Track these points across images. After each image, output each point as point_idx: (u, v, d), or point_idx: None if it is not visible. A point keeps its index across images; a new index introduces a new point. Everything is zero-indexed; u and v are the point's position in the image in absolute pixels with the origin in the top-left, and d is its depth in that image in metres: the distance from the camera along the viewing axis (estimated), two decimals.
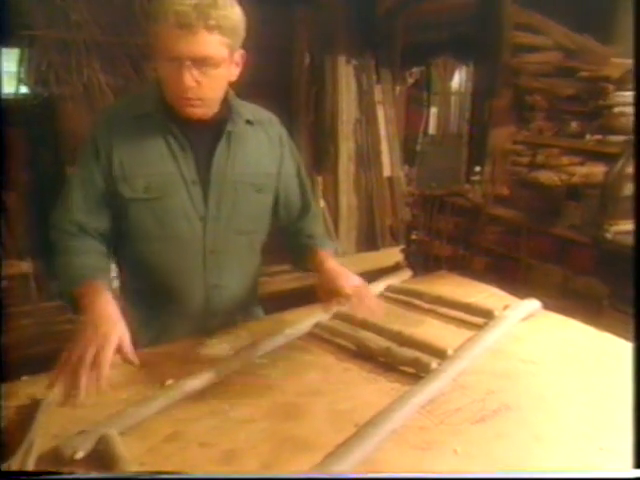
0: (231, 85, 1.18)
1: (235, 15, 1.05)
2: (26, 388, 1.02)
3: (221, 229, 1.19)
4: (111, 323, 0.94)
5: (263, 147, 1.24)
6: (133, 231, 1.18)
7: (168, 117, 1.13)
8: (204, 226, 1.18)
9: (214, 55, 1.03)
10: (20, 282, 3.47)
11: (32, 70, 3.55)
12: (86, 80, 3.62)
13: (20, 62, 3.64)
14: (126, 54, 3.71)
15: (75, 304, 1.04)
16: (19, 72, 3.67)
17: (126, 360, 0.93)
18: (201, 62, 1.03)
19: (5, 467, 0.76)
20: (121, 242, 1.22)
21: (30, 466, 0.79)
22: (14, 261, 3.63)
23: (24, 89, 3.71)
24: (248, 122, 1.22)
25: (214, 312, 1.25)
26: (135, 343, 0.96)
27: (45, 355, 1.03)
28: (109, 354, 0.89)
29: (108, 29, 3.67)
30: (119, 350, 0.92)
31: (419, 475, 0.74)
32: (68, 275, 1.08)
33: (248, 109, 1.24)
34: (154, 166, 1.13)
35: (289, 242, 1.35)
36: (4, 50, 3.49)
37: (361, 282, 1.12)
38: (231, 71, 1.12)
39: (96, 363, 0.87)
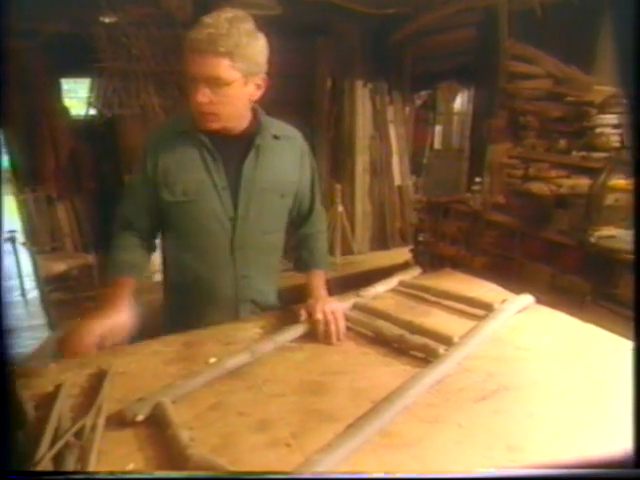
0: (262, 104, 1.19)
1: (251, 44, 1.05)
2: (95, 360, 1.03)
3: (248, 229, 1.19)
4: (110, 313, 1.07)
5: (287, 158, 1.24)
6: (174, 229, 1.21)
7: (202, 133, 1.14)
8: (233, 225, 1.18)
9: (223, 77, 1.04)
10: (85, 271, 3.54)
11: (100, 95, 3.64)
12: (143, 102, 3.69)
13: (90, 89, 3.73)
14: (174, 80, 3.78)
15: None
16: (89, 97, 3.76)
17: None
18: (212, 82, 1.04)
19: (80, 425, 0.78)
20: (165, 239, 1.25)
21: (101, 425, 0.80)
22: (81, 254, 3.71)
23: (92, 111, 3.80)
24: (275, 137, 1.21)
25: (243, 299, 1.25)
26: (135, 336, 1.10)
27: None
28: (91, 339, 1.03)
29: (161, 60, 3.74)
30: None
31: (420, 475, 0.72)
32: (110, 267, 1.18)
33: (275, 125, 1.23)
34: (190, 174, 1.15)
35: (294, 246, 1.35)
36: (78, 80, 3.58)
37: (335, 309, 1.13)
38: (248, 92, 1.11)
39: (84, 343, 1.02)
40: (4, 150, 3.77)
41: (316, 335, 1.12)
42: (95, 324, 1.05)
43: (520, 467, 0.72)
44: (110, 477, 0.71)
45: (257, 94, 1.13)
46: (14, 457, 0.69)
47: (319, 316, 1.12)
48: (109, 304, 1.09)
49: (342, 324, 1.13)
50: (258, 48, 1.08)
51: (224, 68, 1.03)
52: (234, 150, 1.16)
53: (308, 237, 1.35)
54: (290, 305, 1.31)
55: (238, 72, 1.05)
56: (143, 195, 1.19)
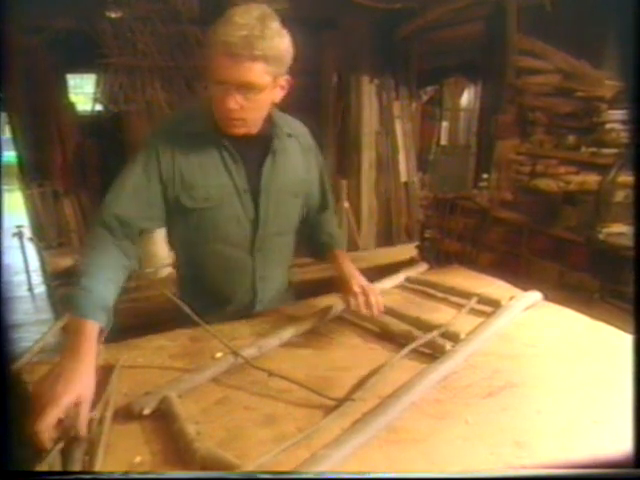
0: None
1: (282, 45, 1.01)
2: (102, 354, 1.01)
3: (267, 230, 1.18)
4: (72, 383, 0.79)
5: (298, 157, 1.23)
6: (192, 234, 1.16)
7: (220, 134, 1.10)
8: (253, 228, 1.17)
9: (257, 82, 0.99)
10: None
11: (106, 91, 3.65)
12: (148, 98, 3.70)
13: (97, 85, 3.75)
14: (181, 76, 3.79)
15: (69, 323, 0.93)
16: (95, 93, 3.78)
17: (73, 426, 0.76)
18: (244, 88, 0.99)
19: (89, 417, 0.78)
20: (179, 243, 1.20)
21: (109, 418, 0.81)
22: None
23: (98, 107, 3.82)
24: (289, 135, 1.20)
25: (260, 299, 1.25)
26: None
27: (112, 328, 1.04)
28: (53, 415, 0.74)
29: (167, 55, 3.75)
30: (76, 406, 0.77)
31: (419, 475, 0.71)
32: (79, 297, 0.93)
33: (287, 122, 1.21)
34: (212, 179, 1.11)
35: (310, 236, 1.33)
36: (84, 76, 3.62)
37: (367, 282, 1.16)
38: (275, 94, 1.07)
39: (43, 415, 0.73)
40: (11, 146, 3.80)
41: (356, 308, 1.11)
42: (60, 396, 0.76)
43: (520, 467, 0.72)
44: (111, 477, 0.71)
45: (280, 95, 1.10)
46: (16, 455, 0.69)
47: (357, 289, 1.12)
48: (74, 359, 0.83)
49: (378, 295, 1.13)
50: (286, 47, 1.03)
51: (259, 73, 0.99)
52: (251, 151, 1.13)
53: (322, 221, 1.33)
54: (299, 300, 1.32)
55: (270, 76, 1.01)
56: (149, 195, 1.09)
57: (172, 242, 1.23)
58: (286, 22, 1.04)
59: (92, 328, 0.90)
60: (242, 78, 0.98)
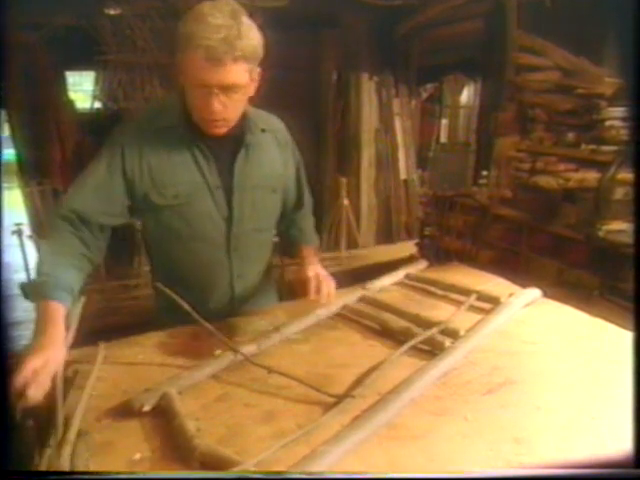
0: (261, 99, 1.13)
1: (255, 40, 1.00)
2: (103, 352, 1.03)
3: (243, 228, 1.16)
4: (41, 350, 0.83)
5: (275, 151, 1.20)
6: (164, 232, 1.14)
7: (191, 130, 1.08)
8: (228, 226, 1.14)
9: (239, 82, 0.99)
10: None
11: (105, 88, 3.65)
12: (147, 95, 3.69)
13: (96, 82, 3.75)
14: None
15: (36, 310, 0.93)
16: (94, 90, 3.77)
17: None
18: (228, 89, 0.98)
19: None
20: (152, 241, 1.19)
21: (79, 417, 0.81)
22: None
23: (97, 104, 3.81)
24: (263, 130, 1.17)
25: (239, 298, 1.22)
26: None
27: (113, 325, 1.03)
28: (44, 381, 0.79)
29: (165, 52, 3.73)
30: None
31: (420, 475, 0.71)
32: (40, 283, 0.95)
33: (262, 118, 1.18)
34: (182, 175, 1.09)
35: (282, 230, 1.33)
36: (83, 73, 3.62)
37: (325, 273, 1.15)
38: (250, 88, 1.06)
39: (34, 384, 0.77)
40: (10, 144, 3.80)
41: (307, 293, 1.09)
42: (28, 361, 0.80)
43: (520, 467, 0.72)
44: (108, 477, 0.70)
45: (253, 89, 1.08)
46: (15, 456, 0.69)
47: (311, 274, 1.11)
48: (43, 335, 0.86)
49: (332, 286, 1.12)
50: (259, 40, 1.01)
51: (240, 73, 0.98)
52: (224, 146, 1.11)
53: (296, 219, 1.34)
54: (295, 299, 1.31)
55: (248, 73, 1.00)
56: (112, 190, 1.07)
57: (146, 241, 1.22)
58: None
59: (57, 308, 0.91)
60: (225, 81, 0.97)
